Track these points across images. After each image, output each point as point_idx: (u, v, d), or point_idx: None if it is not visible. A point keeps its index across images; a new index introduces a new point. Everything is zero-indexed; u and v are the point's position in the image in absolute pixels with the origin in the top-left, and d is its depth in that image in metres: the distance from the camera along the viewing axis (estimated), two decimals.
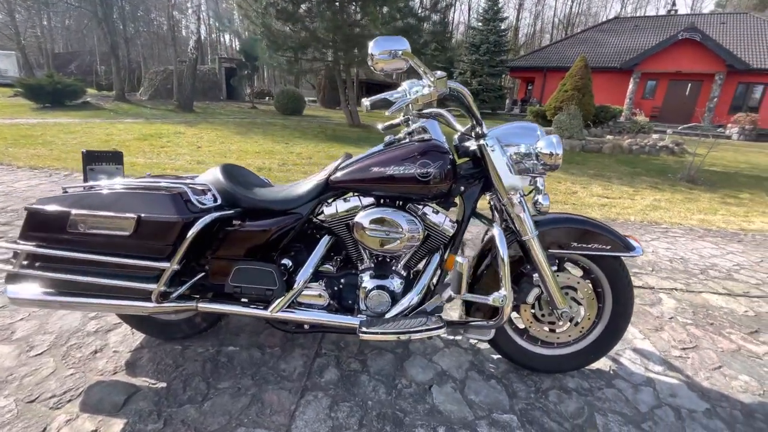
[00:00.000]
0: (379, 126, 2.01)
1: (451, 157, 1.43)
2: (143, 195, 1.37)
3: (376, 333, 1.40)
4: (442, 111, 1.86)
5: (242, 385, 1.55)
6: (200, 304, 1.50)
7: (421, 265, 1.63)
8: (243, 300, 1.55)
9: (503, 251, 1.38)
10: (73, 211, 1.32)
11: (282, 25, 10.58)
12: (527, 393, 1.62)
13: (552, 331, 1.69)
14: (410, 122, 1.87)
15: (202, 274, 1.44)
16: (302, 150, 8.01)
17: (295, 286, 1.49)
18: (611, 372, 1.79)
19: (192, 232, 1.36)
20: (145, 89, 20.38)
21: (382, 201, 1.53)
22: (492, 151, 1.42)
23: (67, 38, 34.98)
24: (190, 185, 1.43)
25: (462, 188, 1.52)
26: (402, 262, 1.58)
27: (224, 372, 1.61)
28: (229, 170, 1.60)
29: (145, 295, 1.41)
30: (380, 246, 1.46)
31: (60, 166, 5.30)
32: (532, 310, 1.65)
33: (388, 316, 1.52)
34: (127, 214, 1.33)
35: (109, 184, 1.42)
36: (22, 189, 4.14)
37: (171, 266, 1.37)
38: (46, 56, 25.07)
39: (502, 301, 1.43)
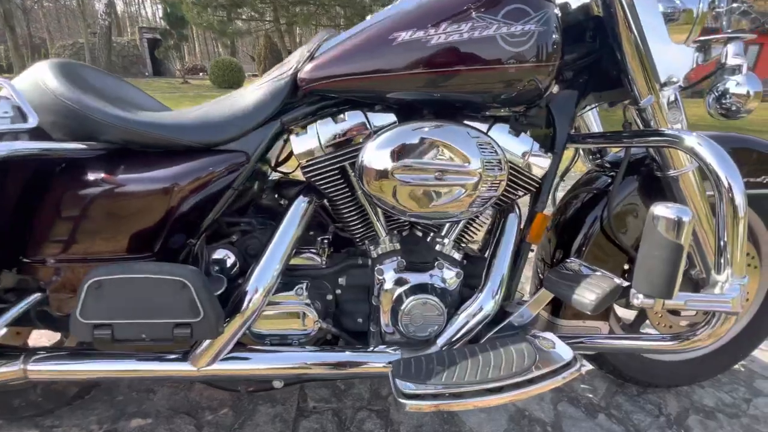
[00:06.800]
0: None
1: (556, 6, 0.68)
2: None
3: (426, 396, 0.65)
4: None
5: None
6: (30, 367, 0.67)
7: (473, 243, 0.90)
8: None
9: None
10: None
11: None
12: (656, 426, 0.99)
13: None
14: None
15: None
16: None
17: (245, 303, 0.71)
18: (743, 369, 1.21)
19: None
20: None
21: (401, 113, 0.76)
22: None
23: None
24: None
25: (555, 88, 0.79)
26: (452, 236, 0.84)
27: None
28: (72, 71, 0.74)
29: None
30: (422, 206, 0.70)
31: None
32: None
33: (441, 341, 0.78)
34: None
35: None
36: None
37: None
38: None
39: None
